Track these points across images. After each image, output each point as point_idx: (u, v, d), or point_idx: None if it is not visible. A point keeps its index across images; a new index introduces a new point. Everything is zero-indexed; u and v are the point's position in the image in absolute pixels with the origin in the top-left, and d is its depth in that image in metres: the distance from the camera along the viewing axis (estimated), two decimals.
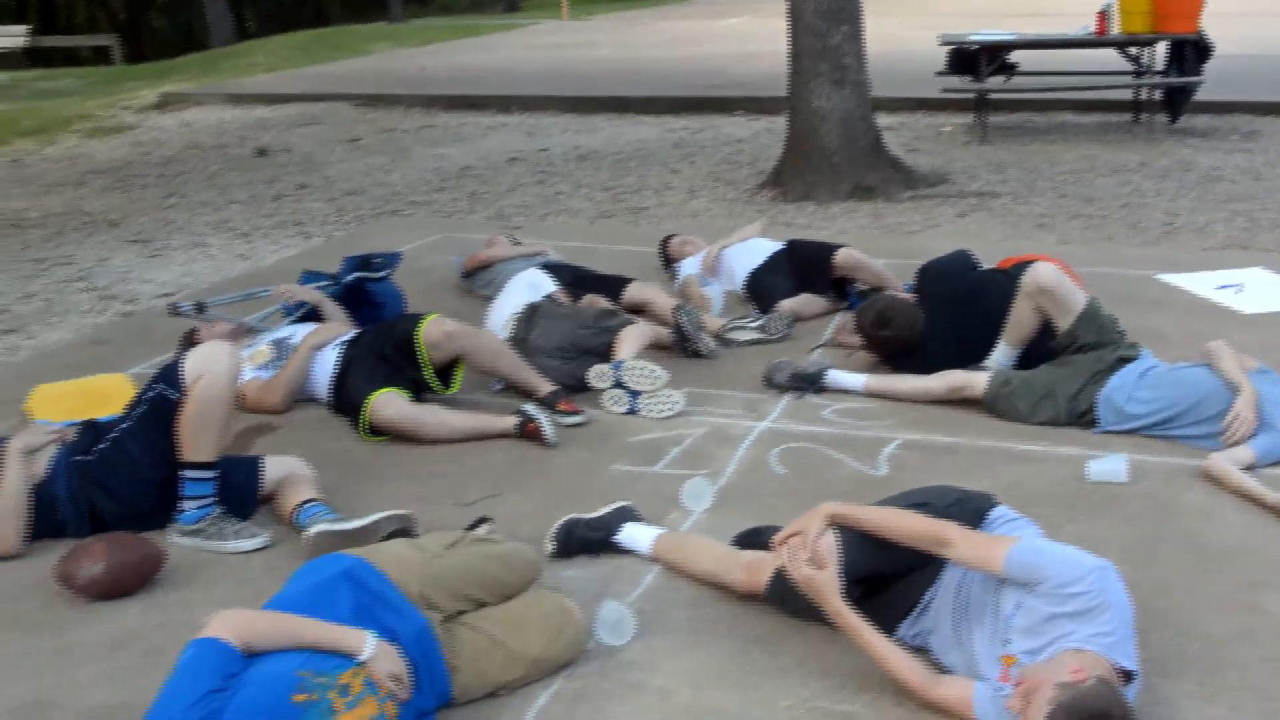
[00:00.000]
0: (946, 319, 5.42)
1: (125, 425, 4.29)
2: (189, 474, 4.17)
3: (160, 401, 4.20)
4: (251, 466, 4.39)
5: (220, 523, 4.17)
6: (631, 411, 5.22)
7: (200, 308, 5.28)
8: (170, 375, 4.20)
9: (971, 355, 5.29)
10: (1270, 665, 3.42)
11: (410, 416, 5.05)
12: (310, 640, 2.92)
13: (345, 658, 2.92)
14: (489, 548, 3.51)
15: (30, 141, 14.33)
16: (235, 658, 2.80)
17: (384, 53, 21.76)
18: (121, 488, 4.27)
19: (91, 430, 4.41)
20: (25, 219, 10.21)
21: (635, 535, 4.02)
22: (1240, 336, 5.56)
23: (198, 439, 4.14)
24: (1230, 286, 6.76)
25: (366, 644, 2.95)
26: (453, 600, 3.32)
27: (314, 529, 4.02)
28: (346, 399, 5.20)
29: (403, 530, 3.98)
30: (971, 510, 3.50)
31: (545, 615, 3.40)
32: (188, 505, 4.18)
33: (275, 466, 4.47)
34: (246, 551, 4.14)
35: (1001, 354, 5.26)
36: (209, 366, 4.16)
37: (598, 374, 5.31)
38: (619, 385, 5.25)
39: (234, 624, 2.87)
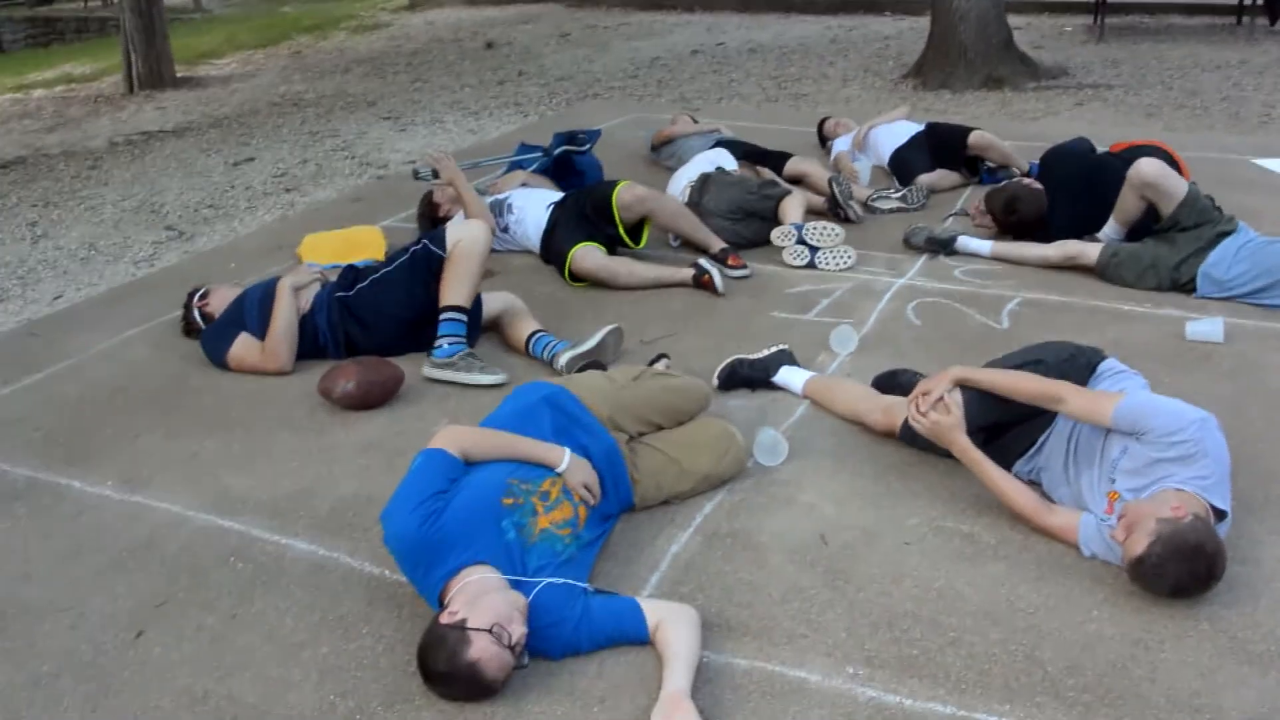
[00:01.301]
0: (1067, 196, 5.07)
1: (386, 270, 4.31)
2: (448, 314, 4.12)
3: (423, 255, 4.22)
4: (475, 300, 4.33)
5: (470, 359, 4.09)
6: (811, 265, 5.02)
7: (435, 174, 5.21)
8: (436, 238, 4.22)
9: (1087, 228, 4.94)
10: None
11: (605, 266, 4.96)
12: (519, 453, 2.86)
13: (546, 469, 2.86)
14: (667, 380, 3.40)
15: (308, 36, 14.42)
16: (457, 465, 2.75)
17: None
18: (376, 321, 4.28)
19: (351, 272, 4.42)
20: (303, 99, 10.29)
21: (790, 377, 3.86)
22: None
23: (458, 286, 4.12)
24: None
25: (564, 458, 2.89)
26: (636, 424, 3.23)
27: (564, 357, 4.03)
28: (554, 250, 5.12)
29: (596, 364, 3.90)
30: (1084, 365, 3.25)
31: (712, 438, 3.30)
32: (443, 341, 4.10)
33: (492, 301, 4.43)
34: (489, 385, 4.02)
35: (1111, 230, 4.90)
36: (467, 231, 4.19)
37: (782, 233, 5.12)
38: (801, 242, 5.06)
39: (456, 437, 2.82)
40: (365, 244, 5.39)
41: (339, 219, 6.06)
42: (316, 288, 4.33)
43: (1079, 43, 10.87)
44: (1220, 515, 2.79)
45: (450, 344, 4.10)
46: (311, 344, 4.28)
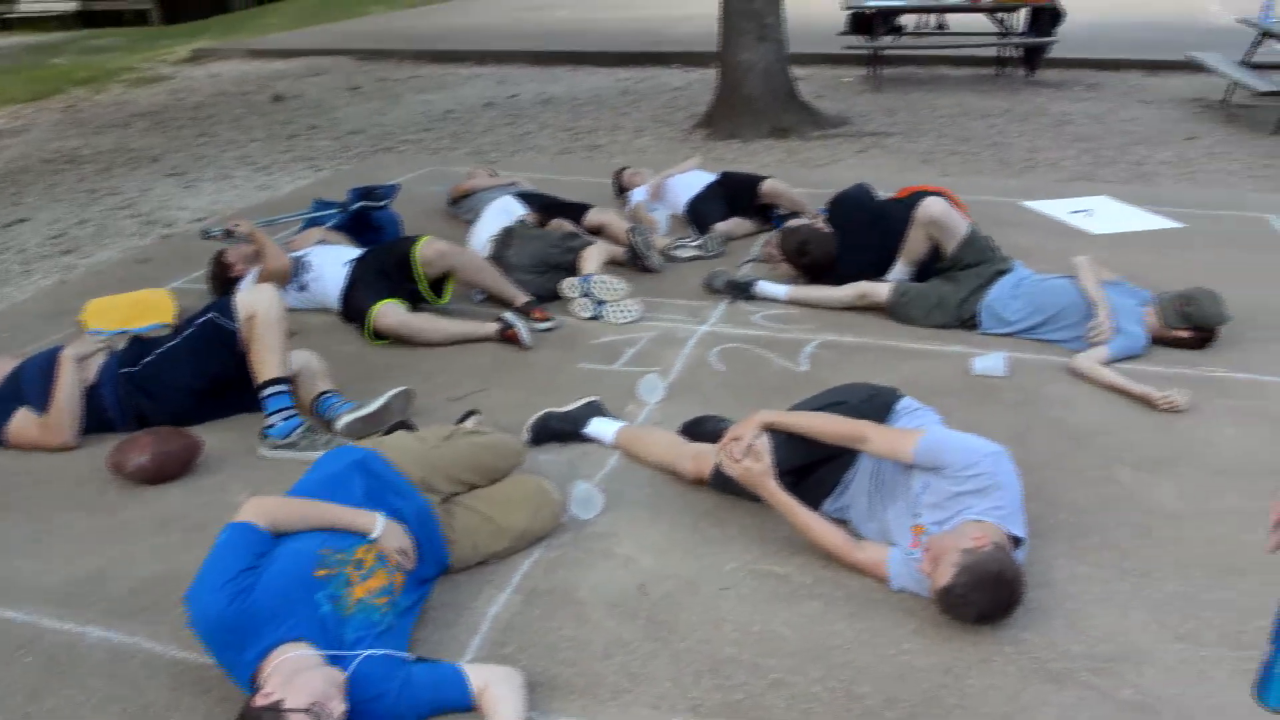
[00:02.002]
0: (853, 240, 5.29)
1: (173, 344, 4.10)
2: (270, 390, 3.94)
3: (212, 326, 4.03)
4: None
5: (311, 435, 3.91)
6: (595, 317, 5.06)
7: (227, 233, 5.04)
8: (224, 308, 4.04)
9: (875, 270, 5.15)
10: (1125, 528, 3.36)
11: (408, 323, 4.88)
12: (329, 521, 2.77)
13: (359, 536, 2.78)
14: (479, 438, 3.36)
15: (83, 90, 13.77)
16: (264, 538, 2.64)
17: (378, 14, 21.04)
18: (164, 394, 4.07)
19: (137, 345, 4.19)
20: (80, 156, 9.80)
21: (600, 428, 3.88)
22: (1091, 254, 5.46)
23: (270, 357, 3.94)
24: (1081, 211, 6.64)
25: (377, 524, 2.81)
26: (449, 484, 3.17)
27: (342, 421, 3.93)
28: (354, 308, 5.01)
29: (404, 423, 3.82)
30: (882, 404, 3.38)
31: (527, 495, 3.27)
32: (275, 419, 3.91)
33: (291, 360, 4.27)
34: None
35: (900, 270, 5.14)
36: (259, 299, 4.00)
37: (569, 285, 5.16)
38: (586, 295, 5.10)
39: (263, 509, 2.71)
40: (154, 308, 5.16)
41: (124, 282, 5.78)
42: (102, 357, 4.11)
43: (857, 92, 11.36)
44: (1017, 542, 2.93)
45: (285, 420, 3.92)
46: (98, 417, 4.05)
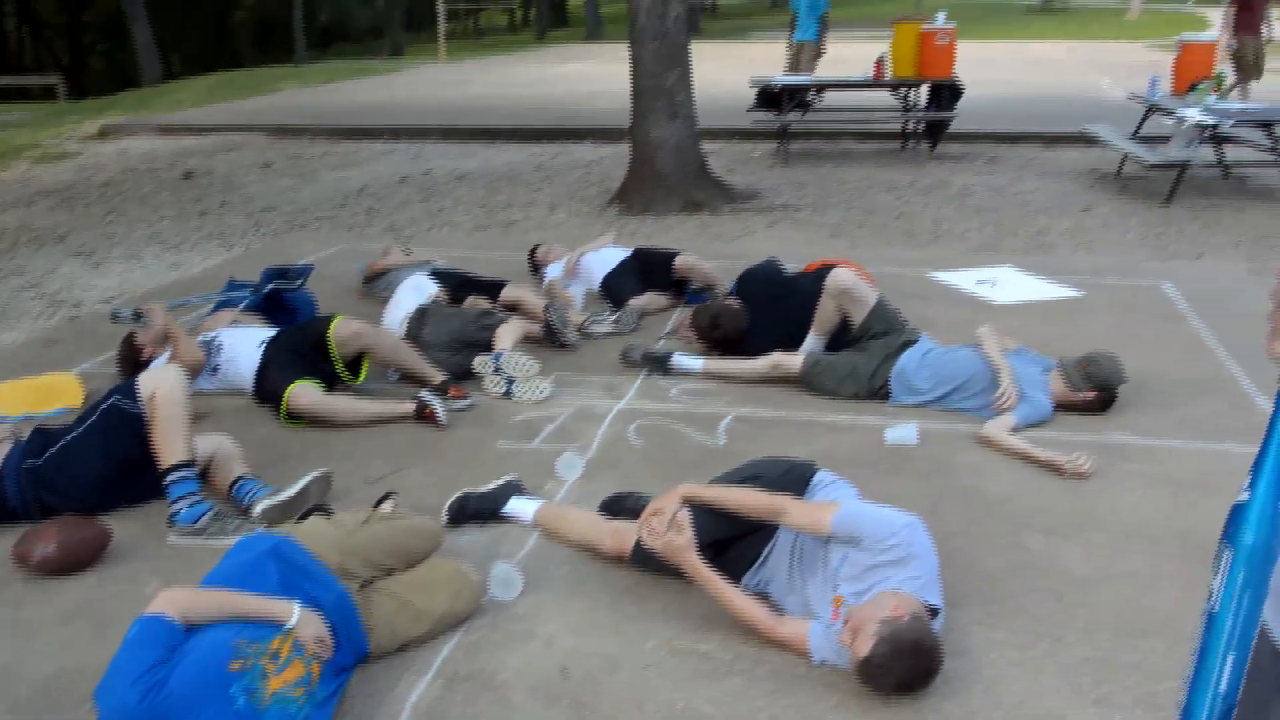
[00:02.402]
0: (763, 315, 5.39)
1: (76, 432, 3.96)
2: (174, 475, 3.83)
3: (115, 411, 3.91)
4: None
5: (220, 521, 3.81)
6: (507, 395, 5.06)
7: (137, 315, 4.96)
8: (127, 390, 3.93)
9: (785, 344, 5.24)
10: (1036, 594, 3.42)
11: (323, 403, 4.83)
12: (243, 612, 2.72)
13: (275, 626, 2.73)
14: (397, 522, 3.33)
15: None
16: (176, 632, 2.58)
17: (291, 90, 21.01)
18: (70, 486, 3.93)
19: (40, 437, 4.04)
20: None
21: (520, 507, 3.86)
22: (995, 323, 5.60)
23: (172, 441, 3.84)
24: (986, 281, 6.83)
25: (293, 612, 2.76)
26: (367, 569, 3.14)
27: (260, 507, 3.84)
28: (268, 389, 4.94)
29: (320, 508, 3.77)
30: (798, 478, 3.43)
31: (446, 578, 3.24)
32: (181, 506, 3.81)
33: (204, 444, 4.16)
34: None
35: (812, 342, 5.24)
36: (161, 381, 3.90)
37: (481, 363, 5.15)
38: (498, 372, 5.10)
39: (175, 600, 2.65)
40: (60, 392, 5.04)
41: (30, 365, 5.64)
42: (6, 446, 3.99)
43: (767, 167, 11.61)
44: (934, 612, 2.97)
45: (191, 506, 3.82)
46: (1, 509, 3.92)
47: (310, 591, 2.90)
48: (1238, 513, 1.33)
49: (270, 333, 5.23)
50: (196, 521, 3.80)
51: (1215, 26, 20.47)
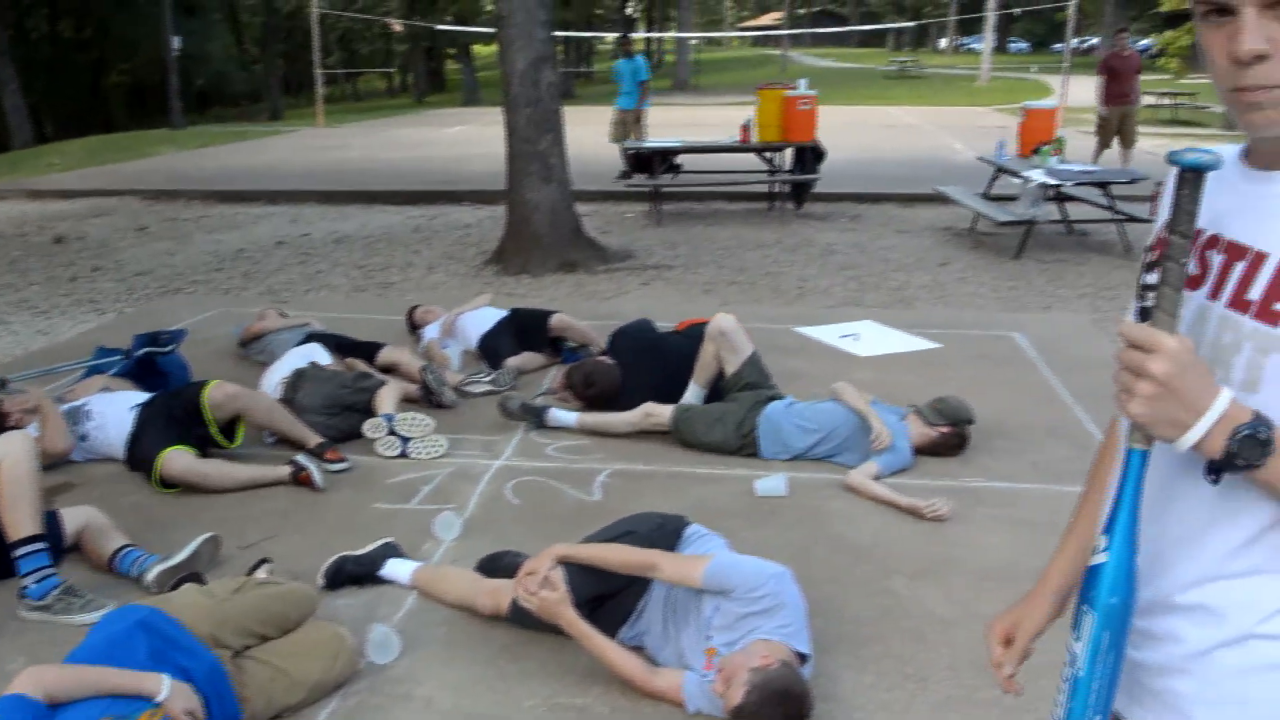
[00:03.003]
0: (637, 372, 5.43)
1: None
2: (23, 550, 3.64)
3: None
4: (50, 520, 3.92)
5: (68, 597, 3.63)
6: (403, 455, 4.99)
7: (2, 384, 4.77)
8: None
9: (660, 400, 5.24)
10: (903, 636, 3.48)
11: (197, 469, 4.69)
12: (111, 687, 2.60)
13: (144, 700, 2.62)
14: (270, 588, 3.24)
15: None
16: (41, 711, 2.46)
17: (167, 154, 20.56)
18: None
19: None
20: None
21: (397, 569, 3.80)
22: (858, 375, 5.75)
23: (18, 514, 3.65)
24: (849, 335, 6.98)
25: (163, 686, 2.66)
26: (240, 637, 3.04)
27: (152, 574, 3.72)
28: (140, 456, 4.79)
29: (192, 577, 3.65)
30: (671, 532, 3.45)
31: (322, 643, 3.16)
32: (29, 580, 3.62)
33: (72, 517, 3.99)
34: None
35: (692, 393, 5.29)
36: (7, 452, 3.69)
37: (372, 425, 5.07)
38: (392, 433, 5.02)
39: (38, 678, 2.53)
40: None
41: None
42: None
43: (640, 227, 11.73)
44: (803, 658, 3.00)
45: (38, 582, 3.64)
46: None
47: (181, 663, 2.80)
48: (1096, 574, 1.30)
49: (142, 397, 5.09)
50: (44, 597, 3.63)
51: (1055, 94, 21.42)
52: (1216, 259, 1.33)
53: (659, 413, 5.13)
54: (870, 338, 6.93)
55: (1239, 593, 1.31)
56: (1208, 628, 1.33)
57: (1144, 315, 1.38)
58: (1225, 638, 1.32)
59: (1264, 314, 1.26)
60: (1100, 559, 1.29)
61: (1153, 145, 18.56)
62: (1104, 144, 14.17)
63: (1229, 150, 1.38)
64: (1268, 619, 1.29)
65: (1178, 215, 1.24)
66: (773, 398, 5.07)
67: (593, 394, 5.40)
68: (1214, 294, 1.32)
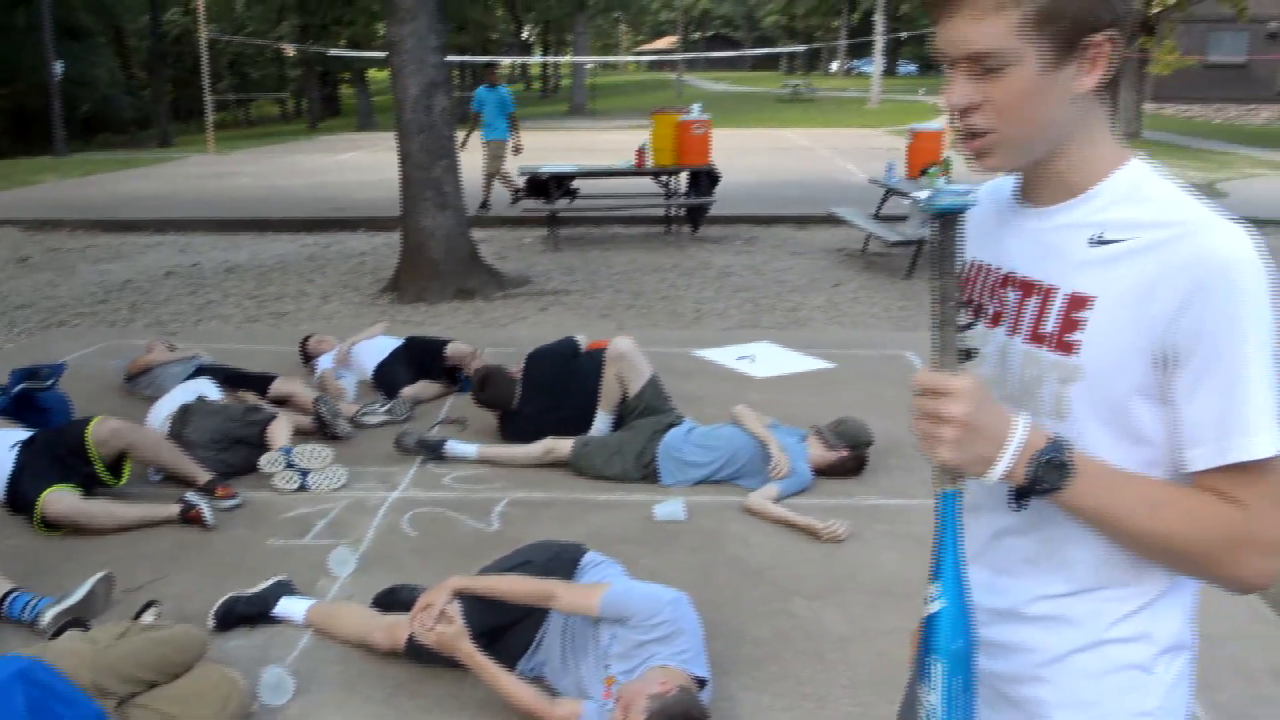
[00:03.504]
0: (552, 395, 5.39)
1: None
2: None
3: None
4: None
5: None
6: (303, 488, 4.88)
7: None
8: None
9: (568, 427, 5.22)
10: (801, 657, 3.51)
11: (81, 510, 4.54)
12: None
13: None
14: (156, 632, 3.14)
15: None
16: None
17: (50, 183, 19.94)
18: None
19: None
20: None
21: (290, 608, 3.71)
22: (755, 397, 5.79)
23: None
24: (746, 357, 7.05)
25: None
26: (125, 684, 2.94)
27: (47, 616, 3.59)
28: (20, 497, 4.61)
29: (75, 623, 3.52)
30: (568, 560, 3.44)
31: (211, 687, 3.07)
32: None
33: None
34: None
35: (600, 420, 5.26)
36: None
37: (269, 460, 4.96)
38: (290, 466, 4.92)
39: None
40: None
41: None
42: None
43: (538, 252, 11.71)
44: (702, 683, 3.00)
45: None
46: None
47: (61, 714, 2.69)
48: (935, 623, 1.31)
49: (23, 435, 4.90)
50: None
51: (942, 116, 21.95)
52: (1011, 296, 1.40)
53: (560, 447, 5.10)
54: (767, 359, 7.00)
55: (1087, 604, 1.39)
56: (1062, 635, 1.40)
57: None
58: (1080, 644, 1.39)
59: (1060, 346, 1.33)
60: (935, 607, 1.32)
61: None
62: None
63: (1006, 184, 1.47)
64: (1117, 623, 1.38)
65: (941, 259, 1.29)
66: (671, 424, 5.07)
67: (484, 398, 5.41)
68: (1013, 330, 1.40)
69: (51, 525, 4.50)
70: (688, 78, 63.31)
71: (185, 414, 5.19)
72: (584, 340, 5.70)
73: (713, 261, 10.97)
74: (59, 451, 4.70)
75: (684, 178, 12.37)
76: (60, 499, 4.51)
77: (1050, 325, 1.35)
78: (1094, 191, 1.35)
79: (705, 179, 12.13)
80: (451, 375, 6.35)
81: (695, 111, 11.98)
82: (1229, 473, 1.25)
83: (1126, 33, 1.30)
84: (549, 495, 4.85)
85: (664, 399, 5.22)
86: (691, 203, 12.36)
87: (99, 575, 3.80)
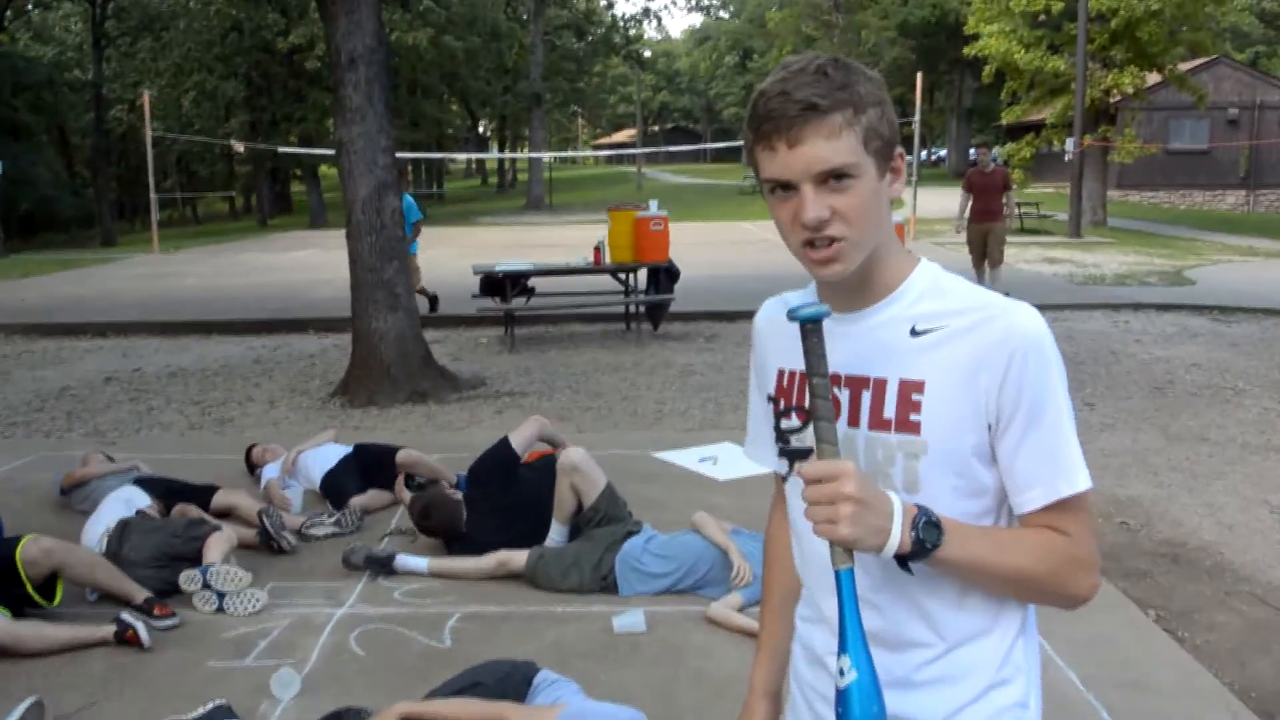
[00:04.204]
0: (491, 516, 5.37)
1: None
2: None
3: None
4: None
5: None
6: (220, 610, 4.81)
7: None
8: None
9: (519, 539, 5.19)
10: None
11: (7, 631, 4.43)
12: None
13: None
14: None
15: None
16: None
17: None
18: None
19: None
20: None
21: None
22: (718, 500, 5.81)
23: None
24: (708, 459, 7.08)
25: None
26: None
27: None
28: None
29: None
30: (520, 680, 3.42)
31: None
32: None
33: None
34: None
35: (555, 531, 5.25)
36: None
37: (187, 578, 4.89)
38: (207, 586, 4.86)
39: None
40: None
41: None
42: None
43: (494, 353, 11.76)
44: None
45: None
46: None
47: None
48: (849, 695, 1.44)
49: None
50: None
51: (906, 205, 22.43)
52: (844, 393, 1.60)
53: (513, 559, 5.07)
54: (729, 460, 7.02)
55: (968, 657, 1.60)
56: (950, 693, 1.60)
57: (792, 459, 1.66)
58: (968, 698, 1.60)
59: (904, 426, 1.55)
60: (849, 679, 1.45)
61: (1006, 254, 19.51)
62: (977, 261, 14.63)
63: (791, 299, 1.74)
64: (1000, 667, 1.61)
65: (811, 360, 1.49)
66: (630, 532, 5.07)
67: (429, 526, 5.35)
68: (853, 422, 1.59)
69: None
70: (648, 171, 64.30)
71: (124, 531, 5.12)
72: (518, 441, 5.70)
73: (674, 360, 11.06)
74: None
75: (643, 274, 12.52)
76: None
77: (889, 411, 1.56)
78: (900, 290, 1.59)
79: (664, 275, 12.27)
80: (405, 483, 6.31)
81: (653, 208, 12.18)
82: (1055, 509, 1.52)
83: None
84: (504, 609, 4.81)
85: (621, 507, 5.22)
86: (651, 300, 12.49)
87: (28, 702, 3.73)
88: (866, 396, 1.58)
